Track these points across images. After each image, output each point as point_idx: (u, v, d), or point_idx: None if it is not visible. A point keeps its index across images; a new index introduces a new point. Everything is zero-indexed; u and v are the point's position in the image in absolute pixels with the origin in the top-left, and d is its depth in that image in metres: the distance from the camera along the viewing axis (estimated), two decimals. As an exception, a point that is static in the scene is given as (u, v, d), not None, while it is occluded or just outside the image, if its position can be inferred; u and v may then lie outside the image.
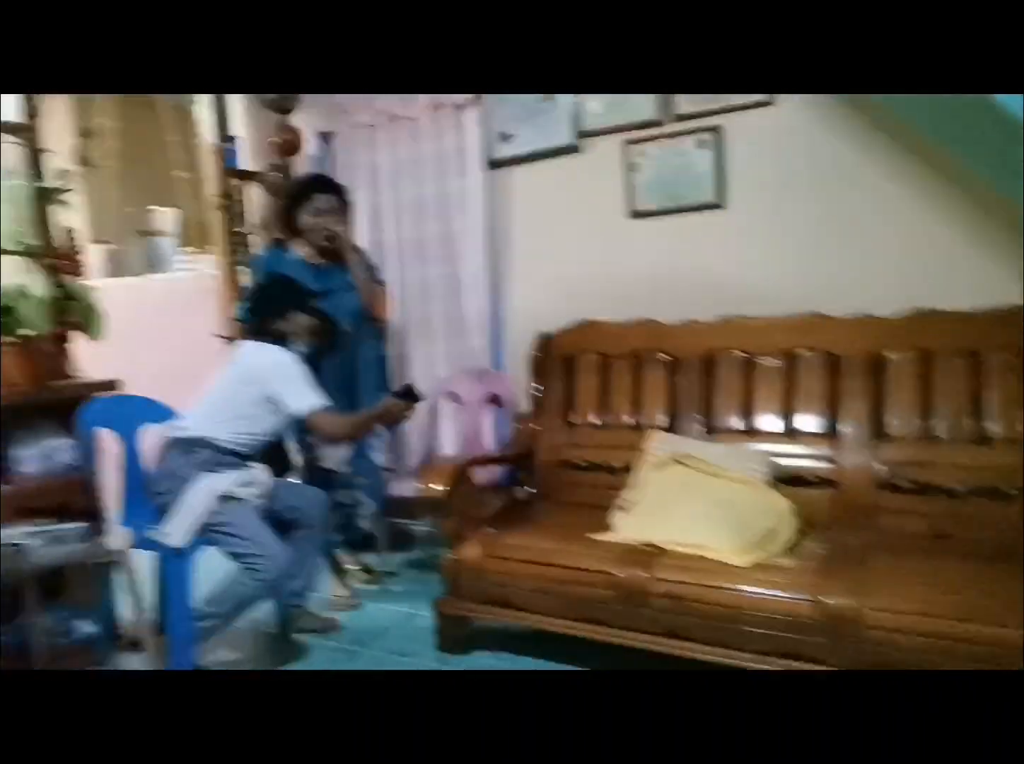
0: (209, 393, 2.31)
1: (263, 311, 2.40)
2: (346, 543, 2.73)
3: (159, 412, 2.63)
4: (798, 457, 2.23)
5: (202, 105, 3.28)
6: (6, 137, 2.51)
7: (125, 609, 2.36)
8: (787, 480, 2.20)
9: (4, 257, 2.52)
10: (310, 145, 3.41)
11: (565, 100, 2.85)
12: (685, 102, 2.65)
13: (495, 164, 3.06)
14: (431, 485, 2.19)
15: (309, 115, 3.35)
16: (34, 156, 2.50)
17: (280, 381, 2.22)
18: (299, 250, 2.64)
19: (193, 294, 3.80)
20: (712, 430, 2.40)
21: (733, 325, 2.46)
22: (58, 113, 2.65)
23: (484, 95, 2.99)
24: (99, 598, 2.40)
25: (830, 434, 2.22)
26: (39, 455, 2.34)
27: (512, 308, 3.12)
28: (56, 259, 2.48)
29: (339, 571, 2.73)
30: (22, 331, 2.29)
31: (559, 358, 2.69)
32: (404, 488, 3.06)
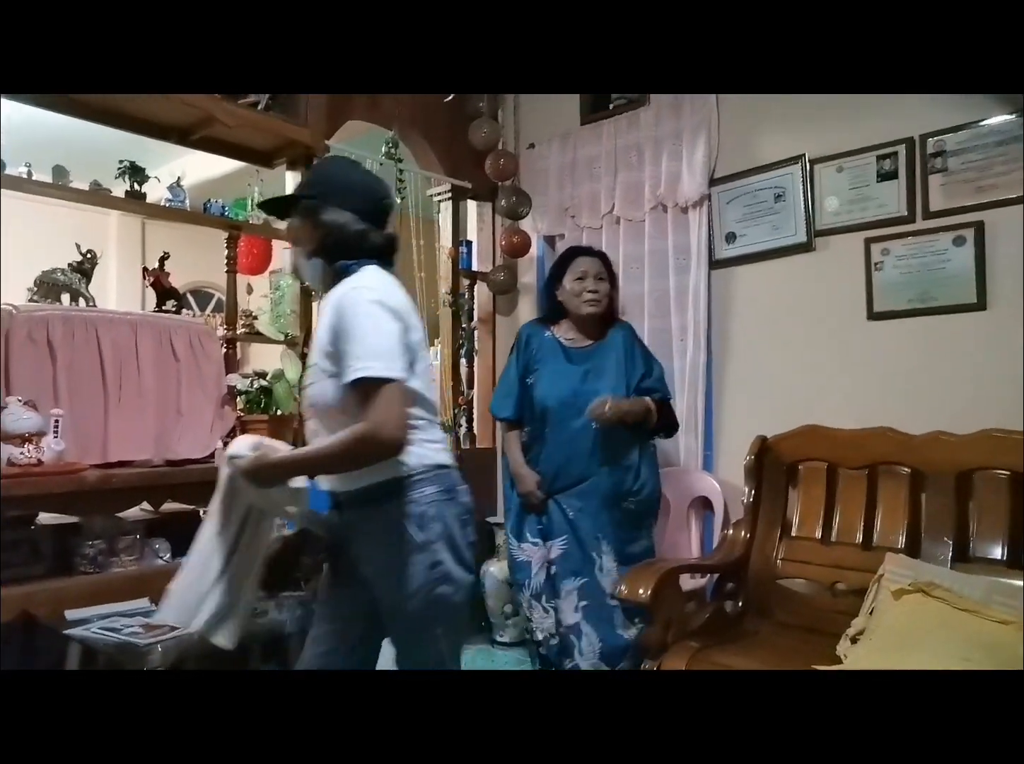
0: None
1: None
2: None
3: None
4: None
5: (443, 214, 3.62)
6: (283, 243, 2.95)
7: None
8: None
9: (270, 345, 2.91)
10: (536, 247, 3.61)
11: (798, 199, 2.77)
12: (939, 197, 2.46)
13: (717, 264, 3.02)
14: (635, 589, 2.08)
15: (539, 220, 3.56)
16: (303, 259, 2.88)
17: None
18: (559, 331, 2.56)
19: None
20: (964, 558, 2.07)
21: (996, 440, 2.14)
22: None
23: (711, 197, 2.99)
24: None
25: None
26: (278, 524, 2.57)
27: (728, 408, 2.98)
28: (309, 348, 2.80)
29: None
30: (275, 410, 2.58)
31: (779, 464, 2.50)
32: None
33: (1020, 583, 1.92)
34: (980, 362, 2.38)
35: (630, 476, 2.45)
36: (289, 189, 2.96)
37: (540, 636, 2.47)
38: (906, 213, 2.53)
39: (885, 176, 2.58)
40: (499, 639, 3.39)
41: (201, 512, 2.49)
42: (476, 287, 3.77)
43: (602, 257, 2.55)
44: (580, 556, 2.40)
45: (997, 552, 2.04)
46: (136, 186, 2.46)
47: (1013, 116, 2.32)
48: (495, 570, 3.38)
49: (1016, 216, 2.32)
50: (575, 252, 2.57)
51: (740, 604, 2.37)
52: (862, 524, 2.27)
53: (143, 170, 2.47)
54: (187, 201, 2.62)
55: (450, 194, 3.58)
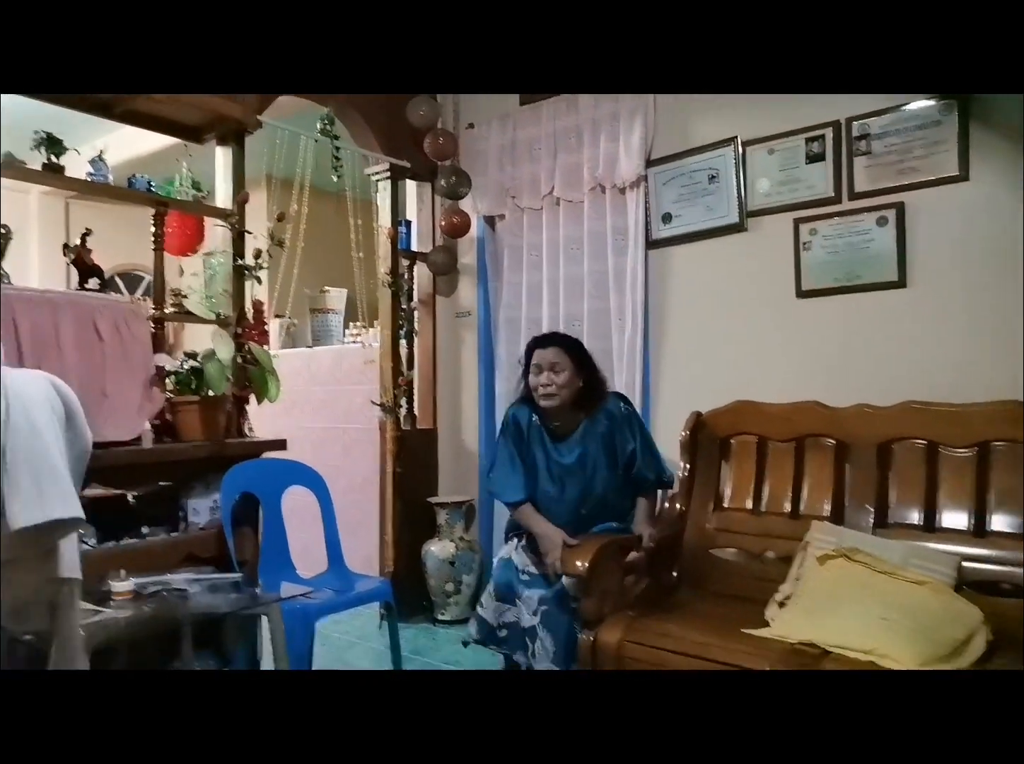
0: None
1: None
2: None
3: (304, 475, 2.77)
4: (990, 561, 1.95)
5: (381, 193, 3.58)
6: (216, 221, 2.86)
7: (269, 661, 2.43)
8: (975, 585, 1.92)
9: (201, 324, 2.84)
10: (476, 228, 3.60)
11: (731, 181, 2.82)
12: (863, 179, 2.54)
13: (654, 244, 3.05)
14: (572, 563, 2.11)
15: (479, 201, 3.54)
16: (237, 238, 2.81)
17: None
18: (543, 416, 2.46)
19: (355, 365, 4.06)
20: (884, 524, 2.16)
21: (915, 411, 2.24)
22: (256, 199, 2.97)
23: (648, 178, 3.02)
24: (245, 648, 2.50)
25: (1033, 536, 1.93)
26: (209, 507, 2.52)
27: (664, 386, 3.04)
28: (244, 328, 2.73)
29: None
30: (207, 391, 2.52)
31: (713, 438, 2.56)
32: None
33: (935, 546, 2.02)
34: (900, 337, 2.47)
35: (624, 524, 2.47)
36: (220, 166, 2.88)
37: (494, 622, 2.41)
38: (833, 194, 2.61)
39: (813, 158, 2.65)
40: (440, 617, 3.40)
41: (129, 496, 2.44)
42: (416, 268, 3.75)
43: (561, 342, 2.44)
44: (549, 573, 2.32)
45: (915, 518, 2.12)
46: (53, 158, 2.35)
47: (932, 101, 2.41)
48: (436, 550, 3.39)
49: (934, 197, 2.41)
50: (533, 343, 2.49)
51: (675, 574, 2.43)
52: (790, 494, 2.34)
53: (60, 141, 2.35)
54: (110, 176, 2.52)
55: (388, 173, 3.53)
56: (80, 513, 1.25)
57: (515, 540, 2.49)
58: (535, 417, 2.47)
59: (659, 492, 2.58)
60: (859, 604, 1.85)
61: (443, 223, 3.55)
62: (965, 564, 1.95)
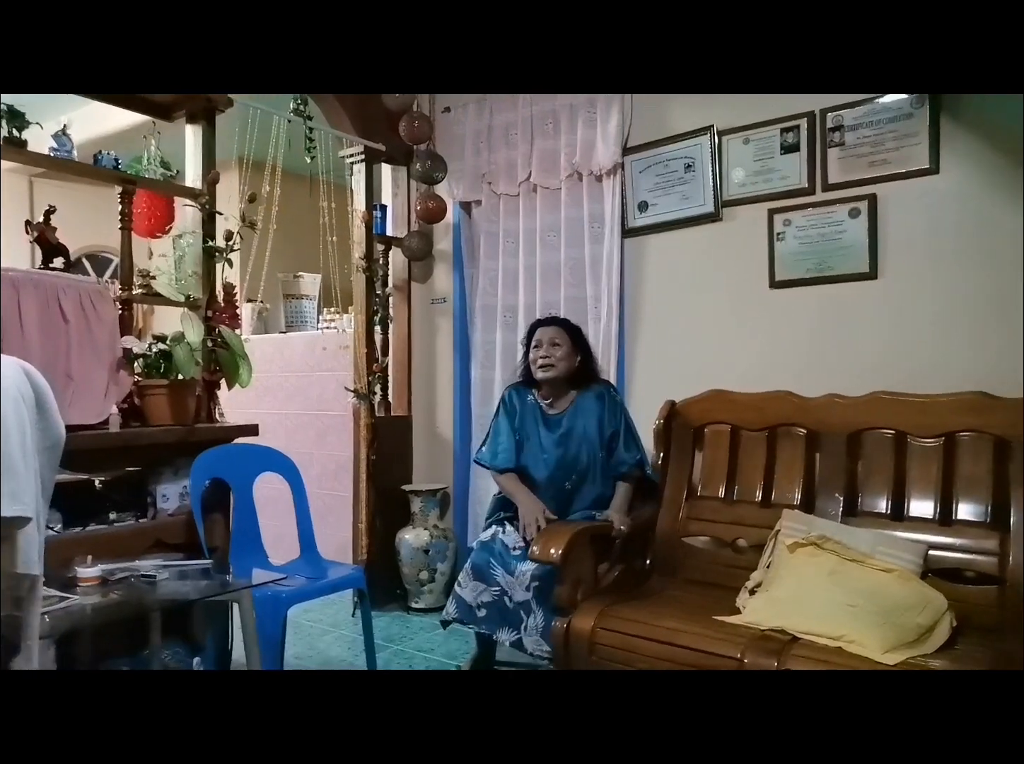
0: None
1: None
2: None
3: (277, 461, 2.74)
4: (955, 549, 1.99)
5: (356, 176, 3.53)
6: (185, 201, 2.80)
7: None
8: (940, 573, 1.96)
9: (170, 307, 2.78)
10: (452, 214, 3.56)
11: (707, 170, 2.83)
12: (836, 170, 2.56)
13: (630, 232, 3.05)
14: (547, 550, 2.11)
15: (454, 186, 3.51)
16: (208, 218, 2.75)
17: None
18: (540, 395, 2.63)
19: (329, 351, 4.02)
20: (853, 513, 2.20)
21: (884, 402, 2.27)
22: (227, 179, 2.91)
23: (624, 166, 3.02)
24: (215, 635, 2.47)
25: (995, 524, 1.98)
26: (179, 493, 2.48)
27: (639, 374, 3.05)
28: (214, 311, 2.68)
29: None
30: (176, 375, 2.47)
31: (686, 427, 2.58)
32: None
33: (902, 535, 2.06)
34: (871, 328, 2.51)
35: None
36: (190, 144, 2.82)
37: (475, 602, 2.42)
38: (807, 185, 2.63)
39: (788, 149, 2.67)
40: (414, 605, 3.40)
41: (96, 482, 2.39)
42: (391, 253, 3.71)
43: (562, 324, 2.64)
44: None
45: (883, 506, 2.16)
46: (15, 132, 2.27)
47: (904, 94, 2.43)
48: (410, 538, 3.38)
49: (905, 190, 2.44)
50: (536, 324, 2.68)
51: (648, 562, 2.44)
52: (762, 483, 2.37)
53: (23, 115, 2.28)
54: (75, 151, 2.45)
55: (363, 156, 3.48)
56: (28, 513, 1.20)
57: (495, 526, 2.50)
58: (531, 396, 2.63)
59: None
60: (828, 591, 1.88)
61: (418, 208, 3.52)
62: (931, 552, 1.99)
